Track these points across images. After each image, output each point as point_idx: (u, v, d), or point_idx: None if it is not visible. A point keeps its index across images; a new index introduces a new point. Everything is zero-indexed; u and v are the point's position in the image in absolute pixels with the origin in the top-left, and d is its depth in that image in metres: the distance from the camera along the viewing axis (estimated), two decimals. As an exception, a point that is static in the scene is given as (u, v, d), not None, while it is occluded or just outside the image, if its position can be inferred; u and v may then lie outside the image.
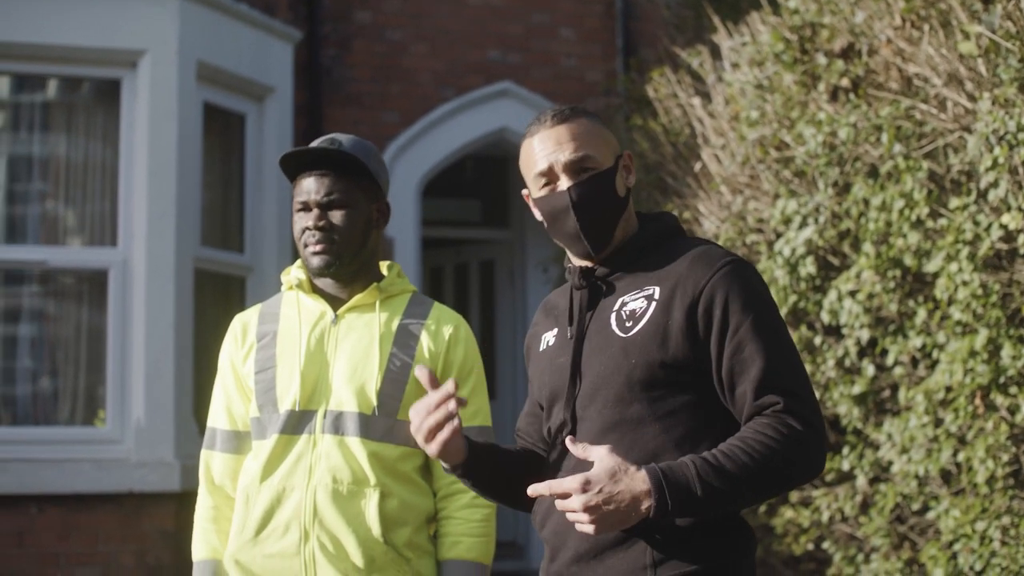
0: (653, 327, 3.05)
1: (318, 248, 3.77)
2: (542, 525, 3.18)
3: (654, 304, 3.08)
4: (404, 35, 10.70)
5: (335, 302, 3.86)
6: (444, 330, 3.85)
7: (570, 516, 2.88)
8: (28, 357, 8.45)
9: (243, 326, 3.93)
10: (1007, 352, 4.83)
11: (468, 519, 3.77)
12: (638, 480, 2.85)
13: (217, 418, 3.92)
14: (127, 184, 8.31)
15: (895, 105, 5.47)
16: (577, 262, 3.28)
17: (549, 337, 3.31)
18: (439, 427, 3.02)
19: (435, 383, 3.05)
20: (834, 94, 5.98)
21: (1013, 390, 4.87)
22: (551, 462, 3.22)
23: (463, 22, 10.82)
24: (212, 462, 3.91)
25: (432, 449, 3.05)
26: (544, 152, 3.18)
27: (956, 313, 5.02)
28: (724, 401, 3.05)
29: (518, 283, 12.26)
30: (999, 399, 4.93)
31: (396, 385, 3.75)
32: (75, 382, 8.38)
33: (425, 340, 3.82)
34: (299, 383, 3.74)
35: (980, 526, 5.04)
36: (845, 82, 5.88)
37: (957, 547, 5.15)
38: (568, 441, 2.98)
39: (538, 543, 11.82)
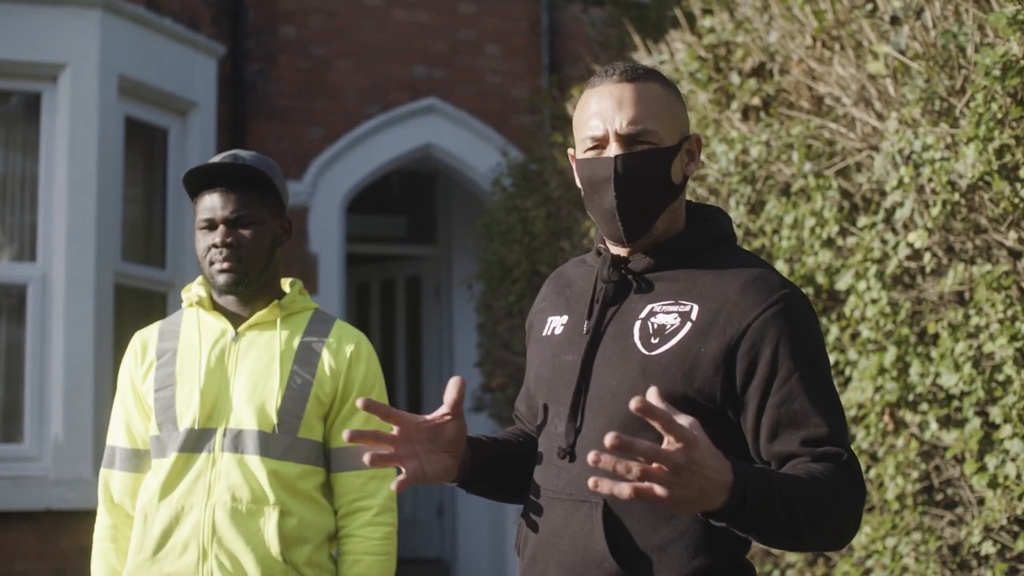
0: (682, 352, 2.69)
1: (225, 265, 3.74)
2: (524, 542, 2.88)
3: (688, 325, 2.71)
4: (329, 51, 10.68)
5: (236, 319, 3.83)
6: (345, 348, 3.83)
7: (638, 470, 2.32)
8: (-54, 373, 8.38)
9: (143, 343, 3.90)
10: (915, 369, 4.86)
11: (369, 537, 3.75)
12: (727, 467, 2.42)
13: (116, 436, 3.89)
14: (47, 199, 8.24)
15: (806, 124, 5.51)
16: (612, 248, 2.88)
17: (557, 323, 2.92)
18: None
19: (452, 405, 2.72)
20: (746, 112, 6.03)
21: (922, 407, 4.91)
22: (539, 472, 2.85)
23: (388, 38, 10.81)
24: (111, 480, 3.88)
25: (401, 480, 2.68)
26: (600, 112, 2.78)
27: (865, 331, 5.06)
28: (752, 448, 2.70)
29: (444, 299, 12.26)
30: (908, 416, 4.97)
31: (296, 403, 3.73)
32: (-7, 398, 8.30)
33: (326, 358, 3.80)
34: (199, 401, 3.71)
35: (891, 542, 5.07)
36: (757, 101, 5.93)
37: (870, 563, 5.19)
38: (653, 392, 2.39)
39: (465, 560, 11.80)
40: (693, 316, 2.72)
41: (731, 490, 2.42)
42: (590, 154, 2.81)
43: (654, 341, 2.72)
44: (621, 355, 2.75)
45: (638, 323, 2.77)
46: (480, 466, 2.90)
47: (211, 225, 3.76)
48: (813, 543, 2.64)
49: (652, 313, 2.76)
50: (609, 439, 2.30)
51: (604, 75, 2.82)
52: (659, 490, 2.34)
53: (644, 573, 2.67)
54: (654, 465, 2.34)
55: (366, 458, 2.61)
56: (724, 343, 2.67)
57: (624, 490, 2.34)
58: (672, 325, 2.72)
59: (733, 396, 2.70)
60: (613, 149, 2.77)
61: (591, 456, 2.32)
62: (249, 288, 3.78)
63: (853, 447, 5.26)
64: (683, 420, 2.39)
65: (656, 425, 2.34)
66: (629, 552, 2.69)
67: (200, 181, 3.79)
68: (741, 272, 2.76)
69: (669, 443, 2.35)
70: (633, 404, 2.32)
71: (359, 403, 2.62)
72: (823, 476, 2.58)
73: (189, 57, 9.26)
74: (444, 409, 2.75)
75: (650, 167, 2.76)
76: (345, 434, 2.59)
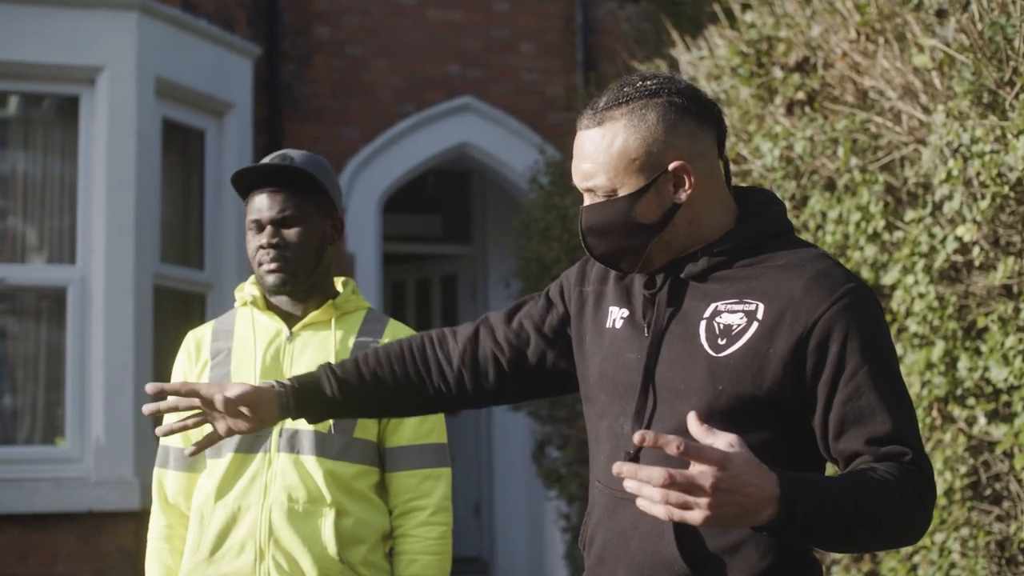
0: (750, 353, 2.64)
1: (273, 266, 3.73)
2: (590, 541, 2.85)
3: (755, 325, 2.66)
4: (364, 50, 10.69)
5: (290, 319, 3.83)
6: None
7: (676, 496, 2.33)
8: (-13, 375, 8.42)
9: (196, 343, 3.90)
10: (963, 364, 4.83)
11: (424, 537, 3.74)
12: (771, 481, 2.38)
13: (170, 436, 3.90)
14: (86, 201, 8.29)
15: (851, 118, 5.47)
16: None
17: (618, 316, 2.88)
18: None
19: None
20: (790, 107, 5.99)
21: (971, 402, 4.88)
22: (607, 471, 2.78)
23: (423, 37, 10.82)
24: (165, 480, 3.88)
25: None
26: (574, 160, 2.81)
27: (913, 325, 5.03)
28: (821, 445, 2.67)
29: (480, 298, 12.26)
30: (956, 411, 4.94)
31: None
32: (34, 401, 8.33)
33: None
34: None
35: (939, 538, 5.04)
36: (801, 95, 5.89)
37: (917, 559, 5.16)
38: (692, 417, 2.42)
39: (503, 559, 11.79)
40: (759, 315, 2.67)
41: (778, 503, 2.38)
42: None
43: (721, 342, 2.68)
44: (688, 356, 2.71)
45: (703, 323, 2.72)
46: (302, 403, 3.04)
47: (259, 226, 3.76)
48: (874, 546, 2.59)
49: (716, 312, 2.72)
50: (615, 469, 2.34)
51: (584, 114, 2.80)
52: (692, 514, 2.34)
53: (715, 575, 2.64)
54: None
55: (158, 429, 2.98)
56: (792, 342, 2.62)
57: (660, 513, 2.35)
58: (739, 325, 2.68)
59: (803, 395, 2.65)
60: (585, 200, 2.81)
61: (614, 468, 2.35)
62: (299, 288, 3.78)
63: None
64: (718, 438, 2.38)
65: (670, 454, 2.32)
66: (699, 554, 2.66)
67: (248, 182, 3.79)
68: (805, 268, 2.69)
69: (693, 466, 2.33)
70: (636, 439, 2.32)
71: (148, 387, 2.90)
72: (884, 478, 2.53)
73: (225, 58, 9.29)
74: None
75: (608, 219, 2.76)
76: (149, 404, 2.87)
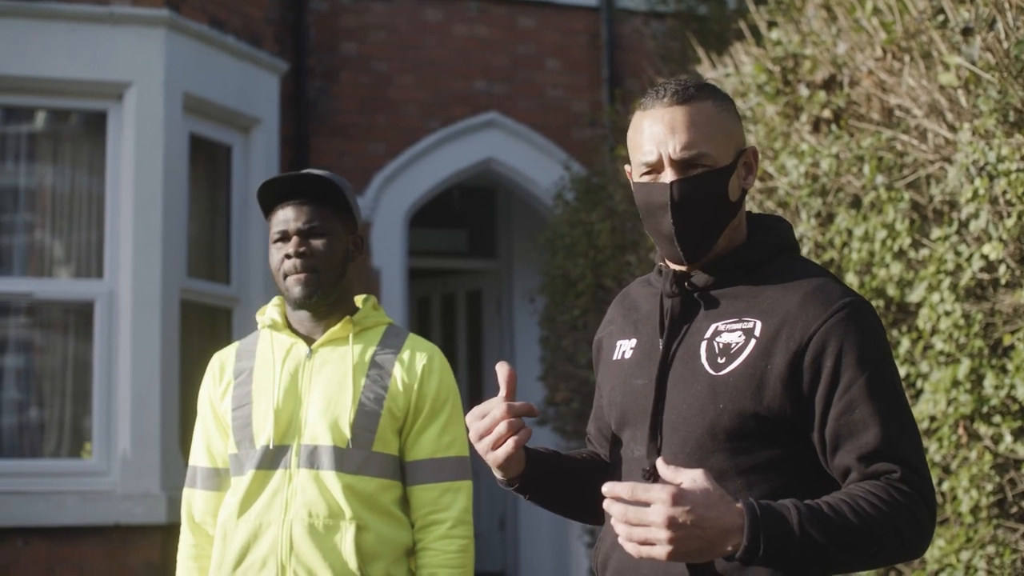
0: (749, 370, 2.67)
1: (301, 276, 3.74)
2: (603, 565, 2.86)
3: (753, 342, 2.69)
4: (390, 66, 10.71)
5: (310, 337, 3.85)
6: (418, 361, 3.85)
7: (638, 533, 2.44)
8: (14, 389, 8.44)
9: (220, 364, 3.94)
10: (989, 382, 4.83)
11: (444, 550, 3.75)
12: (733, 512, 2.45)
13: (198, 456, 3.93)
14: (113, 216, 8.32)
15: (876, 136, 5.47)
16: (673, 265, 2.87)
17: (626, 347, 2.92)
18: (509, 436, 2.76)
19: (512, 384, 2.79)
20: (816, 125, 5.99)
21: (996, 419, 4.87)
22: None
23: (449, 53, 10.84)
24: (193, 500, 3.91)
25: (494, 458, 2.78)
26: (652, 137, 2.76)
27: (939, 343, 5.02)
28: (822, 461, 2.69)
29: (505, 313, 12.26)
30: (982, 428, 4.93)
31: (370, 418, 3.74)
32: (61, 414, 8.36)
33: (398, 372, 3.81)
34: (273, 419, 3.73)
35: (965, 556, 5.03)
36: (827, 113, 5.89)
37: (942, 577, 5.15)
38: (660, 462, 2.52)
39: (527, 573, 11.78)
40: (756, 332, 2.71)
41: (741, 532, 2.45)
42: (646, 179, 2.80)
43: (721, 361, 2.72)
44: (690, 377, 2.75)
45: (704, 343, 2.76)
46: (537, 476, 2.94)
47: (284, 237, 3.77)
48: (864, 566, 2.61)
49: (717, 332, 2.76)
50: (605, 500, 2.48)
51: (656, 96, 2.80)
52: (655, 550, 2.43)
53: None
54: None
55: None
56: (788, 357, 2.66)
57: (631, 549, 2.46)
58: (737, 343, 2.72)
59: (802, 411, 2.68)
60: (668, 175, 2.76)
61: (605, 504, 2.49)
62: (324, 300, 3.78)
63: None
64: (682, 475, 2.47)
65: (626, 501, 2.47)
66: (709, 573, 2.67)
67: (273, 196, 3.81)
68: (802, 284, 2.74)
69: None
70: (605, 489, 2.48)
71: (498, 367, 2.79)
72: (867, 499, 2.56)
73: (252, 74, 9.32)
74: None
75: (706, 190, 2.75)
76: None
